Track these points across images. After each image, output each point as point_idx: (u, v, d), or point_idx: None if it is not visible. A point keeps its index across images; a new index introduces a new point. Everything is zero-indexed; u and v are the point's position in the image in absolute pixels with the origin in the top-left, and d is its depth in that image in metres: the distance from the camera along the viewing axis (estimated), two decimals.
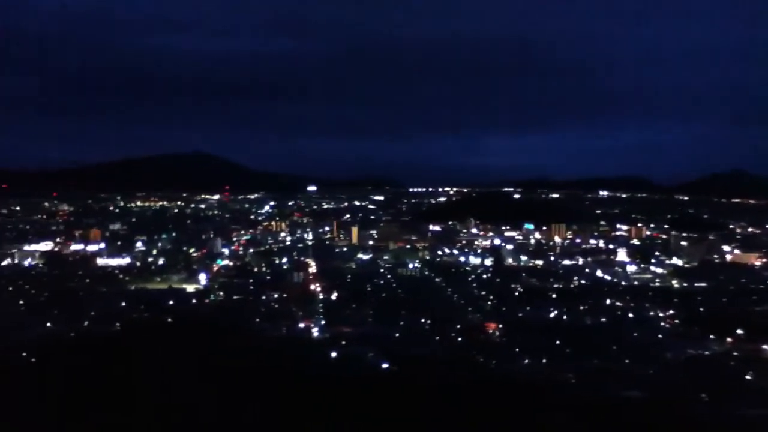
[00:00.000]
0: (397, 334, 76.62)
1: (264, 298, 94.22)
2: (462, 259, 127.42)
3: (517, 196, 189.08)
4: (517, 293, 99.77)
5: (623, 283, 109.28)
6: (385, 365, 61.55)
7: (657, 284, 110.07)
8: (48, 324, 77.90)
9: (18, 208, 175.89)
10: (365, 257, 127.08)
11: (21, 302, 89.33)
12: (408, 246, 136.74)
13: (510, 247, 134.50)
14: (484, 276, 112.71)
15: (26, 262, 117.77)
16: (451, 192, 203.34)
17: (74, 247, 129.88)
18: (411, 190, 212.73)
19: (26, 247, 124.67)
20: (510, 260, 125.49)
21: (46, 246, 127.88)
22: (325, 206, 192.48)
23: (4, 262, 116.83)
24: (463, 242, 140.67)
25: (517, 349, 70.85)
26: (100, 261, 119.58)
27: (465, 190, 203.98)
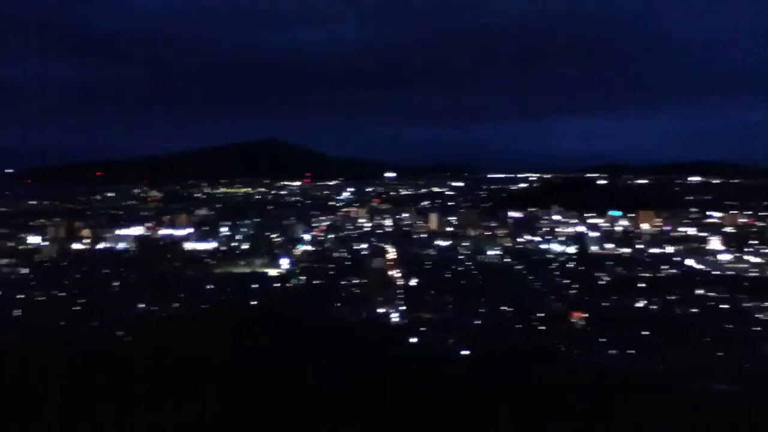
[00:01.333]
0: (477, 322, 75.62)
1: (343, 283, 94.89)
2: (544, 246, 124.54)
3: (602, 181, 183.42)
4: (602, 282, 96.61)
5: (716, 272, 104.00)
6: (464, 352, 61.03)
7: (753, 274, 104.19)
8: (140, 305, 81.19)
9: (111, 194, 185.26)
10: (444, 244, 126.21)
11: (115, 284, 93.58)
12: (488, 233, 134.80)
13: (594, 234, 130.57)
14: (568, 264, 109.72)
15: (119, 246, 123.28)
16: (533, 178, 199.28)
17: (163, 231, 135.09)
18: (491, 176, 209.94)
19: (119, 232, 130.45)
20: (595, 248, 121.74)
21: (137, 230, 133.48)
22: (404, 192, 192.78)
23: (100, 246, 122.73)
24: (545, 229, 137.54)
25: (602, 340, 68.65)
26: (188, 245, 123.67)
27: (547, 176, 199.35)
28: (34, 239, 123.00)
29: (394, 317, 79.41)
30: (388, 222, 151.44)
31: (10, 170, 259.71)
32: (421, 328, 71.78)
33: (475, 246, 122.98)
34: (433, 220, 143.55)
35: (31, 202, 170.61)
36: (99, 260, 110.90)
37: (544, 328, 74.39)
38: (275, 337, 56.73)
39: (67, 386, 40.75)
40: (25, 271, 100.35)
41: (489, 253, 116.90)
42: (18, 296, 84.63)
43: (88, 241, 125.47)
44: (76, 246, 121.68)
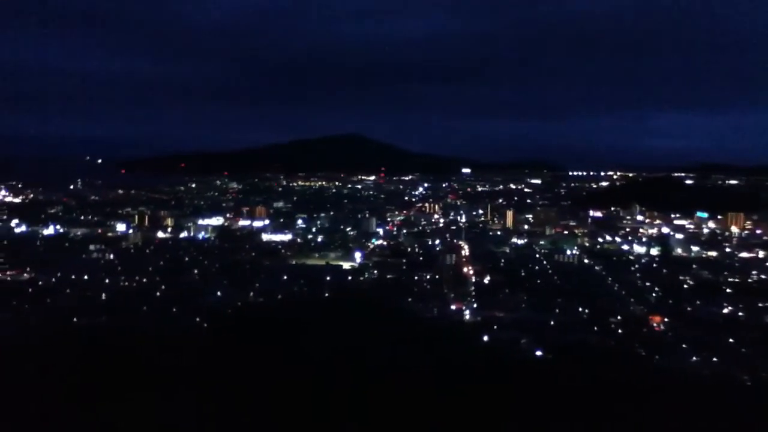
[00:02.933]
0: (552, 322, 73.57)
1: (416, 278, 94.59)
2: (625, 247, 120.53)
3: (689, 181, 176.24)
4: (686, 286, 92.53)
5: None
6: (538, 352, 59.45)
7: None
8: (218, 293, 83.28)
9: (194, 185, 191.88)
10: (520, 242, 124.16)
11: (195, 271, 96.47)
12: (566, 232, 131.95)
13: (679, 236, 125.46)
14: (650, 266, 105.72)
15: (200, 235, 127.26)
16: (615, 176, 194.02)
17: (242, 222, 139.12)
18: (571, 173, 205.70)
19: (200, 221, 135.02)
20: (679, 251, 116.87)
21: (217, 221, 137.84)
22: (480, 189, 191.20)
23: (182, 235, 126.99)
24: (627, 230, 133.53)
25: (684, 345, 65.73)
26: (265, 236, 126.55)
27: (630, 175, 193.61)
28: (121, 227, 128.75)
29: (467, 314, 78.46)
30: (463, 218, 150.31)
31: (99, 160, 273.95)
32: (494, 327, 70.59)
33: (552, 245, 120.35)
34: (509, 217, 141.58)
35: (119, 191, 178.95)
36: (181, 248, 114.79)
37: (622, 331, 71.83)
38: (346, 332, 56.86)
39: (145, 370, 42.04)
40: (111, 257, 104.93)
41: (567, 252, 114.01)
42: (105, 281, 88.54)
43: (171, 229, 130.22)
44: (159, 234, 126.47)
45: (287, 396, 38.05)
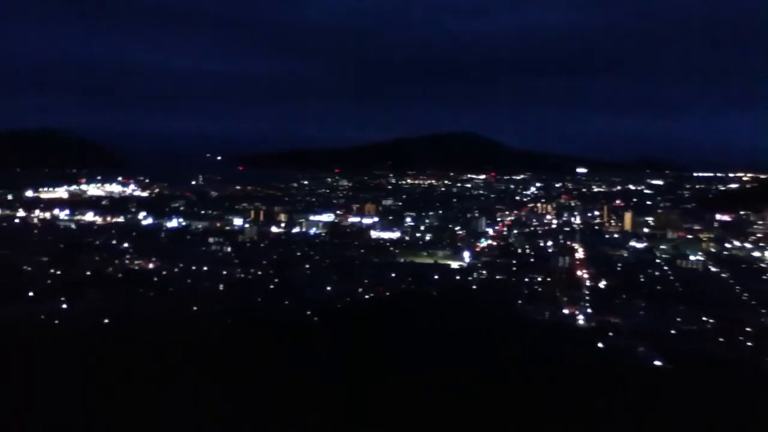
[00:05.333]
0: (673, 331, 69.51)
1: (527, 280, 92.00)
2: (756, 254, 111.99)
3: None
4: None
5: None
6: (657, 362, 56.22)
7: None
8: (328, 287, 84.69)
9: (306, 182, 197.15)
10: (639, 245, 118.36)
11: (307, 266, 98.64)
12: (689, 236, 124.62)
13: None
14: None
15: (312, 231, 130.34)
16: (745, 177, 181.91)
17: (351, 219, 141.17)
18: (695, 174, 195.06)
19: (312, 218, 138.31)
20: None
21: (328, 217, 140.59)
22: (596, 189, 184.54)
23: (294, 230, 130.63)
24: (758, 235, 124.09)
25: None
26: (374, 233, 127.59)
27: (762, 176, 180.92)
28: (238, 221, 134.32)
29: (580, 319, 75.56)
30: (578, 219, 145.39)
31: (219, 157, 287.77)
32: (609, 333, 67.49)
33: (675, 249, 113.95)
34: (628, 219, 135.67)
35: (236, 187, 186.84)
36: (293, 243, 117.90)
37: (752, 343, 66.65)
38: (456, 331, 56.10)
39: (259, 356, 43.14)
40: (228, 249, 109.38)
41: (690, 257, 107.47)
42: (223, 272, 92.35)
43: (284, 224, 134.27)
44: (273, 229, 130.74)
45: (395, 389, 37.87)
